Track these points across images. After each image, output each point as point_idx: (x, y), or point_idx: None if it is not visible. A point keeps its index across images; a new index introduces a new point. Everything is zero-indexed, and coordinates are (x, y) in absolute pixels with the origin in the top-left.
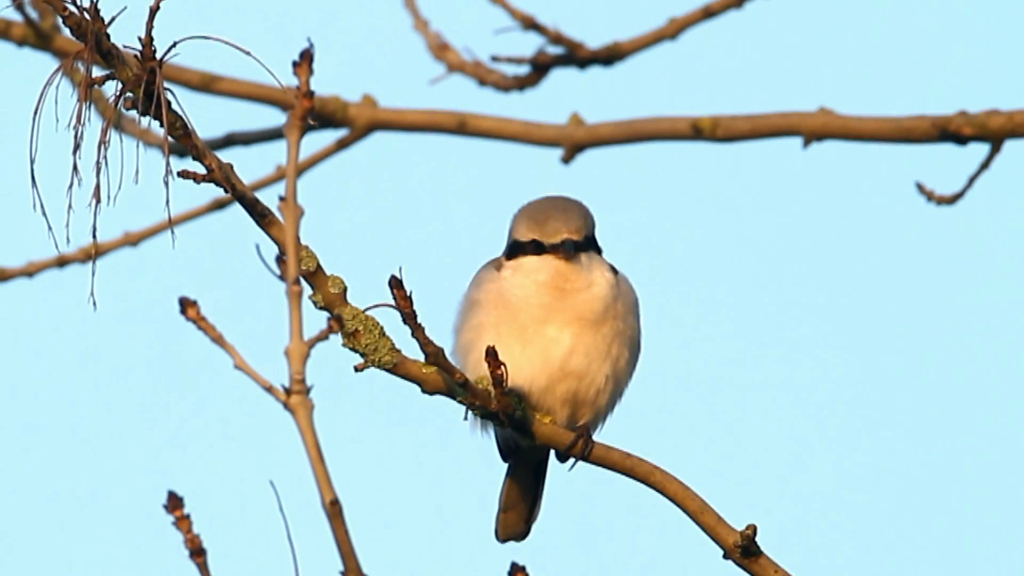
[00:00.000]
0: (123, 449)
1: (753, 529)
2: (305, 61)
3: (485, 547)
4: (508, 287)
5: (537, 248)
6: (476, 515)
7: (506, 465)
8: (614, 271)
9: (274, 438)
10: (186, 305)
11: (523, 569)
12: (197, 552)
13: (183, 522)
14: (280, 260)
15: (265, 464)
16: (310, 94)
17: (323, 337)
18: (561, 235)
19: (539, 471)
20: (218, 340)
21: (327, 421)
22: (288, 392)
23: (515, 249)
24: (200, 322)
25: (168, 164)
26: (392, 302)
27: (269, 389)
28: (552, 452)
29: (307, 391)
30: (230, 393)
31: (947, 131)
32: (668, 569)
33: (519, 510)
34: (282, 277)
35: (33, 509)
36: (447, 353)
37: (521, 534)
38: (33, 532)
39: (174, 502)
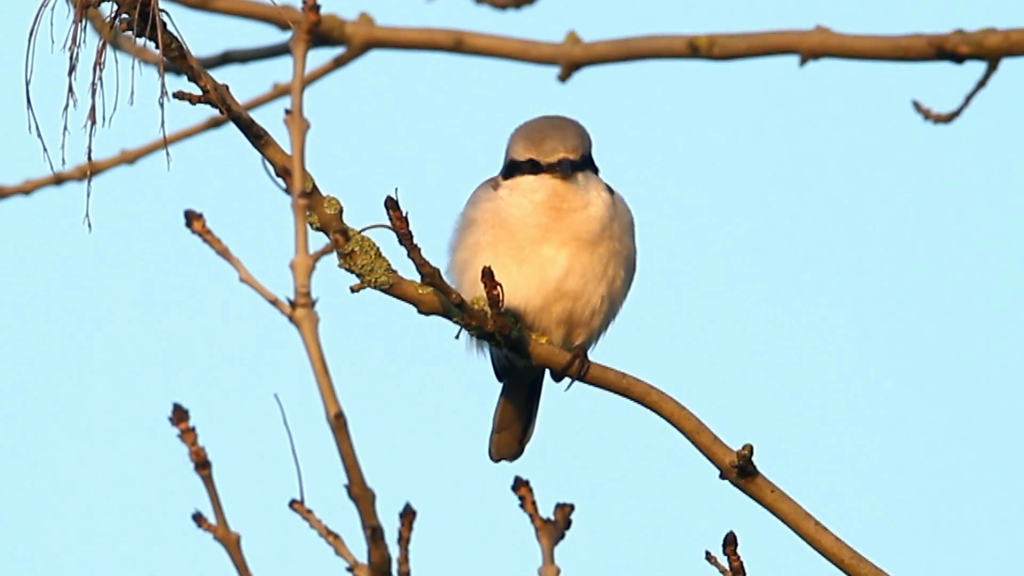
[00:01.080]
0: (126, 365)
1: (749, 449)
2: None
3: (483, 463)
4: (505, 206)
5: (534, 167)
6: (474, 431)
7: (500, 385)
8: (610, 191)
9: (279, 352)
10: (192, 218)
11: (527, 484)
12: (202, 464)
13: (188, 435)
14: (279, 176)
15: (270, 378)
16: (316, 7)
17: (328, 251)
18: (558, 154)
19: (533, 391)
20: (224, 253)
21: (327, 339)
22: (293, 305)
23: (512, 168)
24: (206, 235)
25: (163, 85)
26: (388, 223)
27: (274, 302)
28: (547, 372)
29: (312, 304)
30: (233, 308)
31: (944, 49)
32: (664, 489)
33: (513, 430)
34: (288, 191)
35: (35, 429)
36: (443, 272)
37: (515, 454)
38: (37, 451)
39: (179, 415)
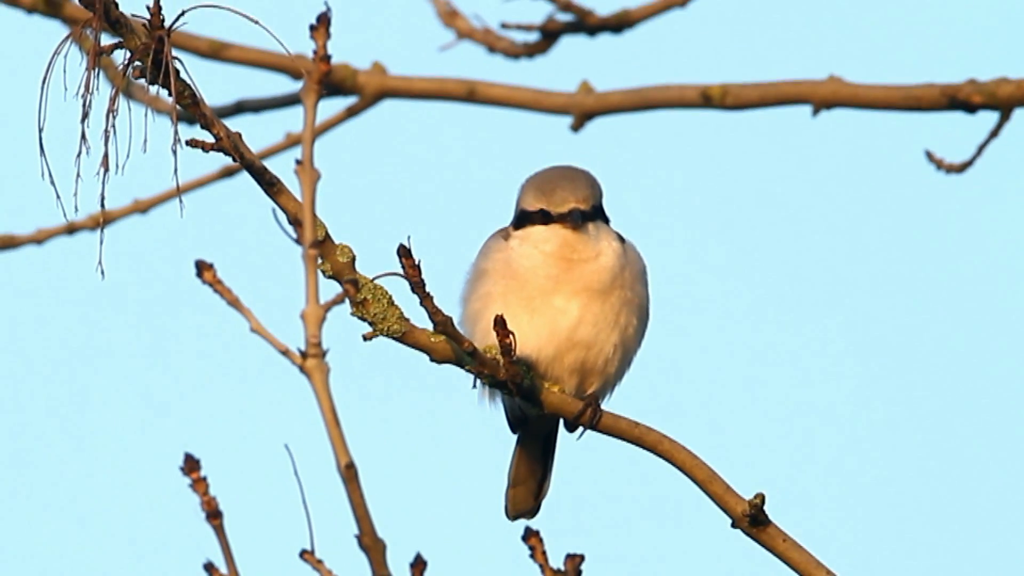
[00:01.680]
0: (138, 414)
1: (761, 498)
2: (322, 25)
3: (492, 513)
4: (516, 257)
5: (545, 218)
6: (486, 482)
7: (515, 437)
8: (621, 239)
9: (290, 402)
10: (203, 268)
11: (537, 534)
12: (214, 514)
13: (200, 484)
14: (292, 225)
15: (280, 428)
16: (327, 58)
17: (339, 301)
18: (568, 204)
19: (548, 443)
20: (235, 303)
21: (338, 388)
22: (304, 355)
23: (523, 219)
24: (217, 285)
25: (176, 133)
26: (401, 271)
27: (285, 352)
28: (561, 424)
29: (323, 354)
30: (244, 358)
31: (956, 99)
32: (676, 538)
33: (528, 485)
34: (298, 241)
35: (48, 479)
36: (455, 323)
37: (531, 510)
38: (49, 501)
39: (191, 464)
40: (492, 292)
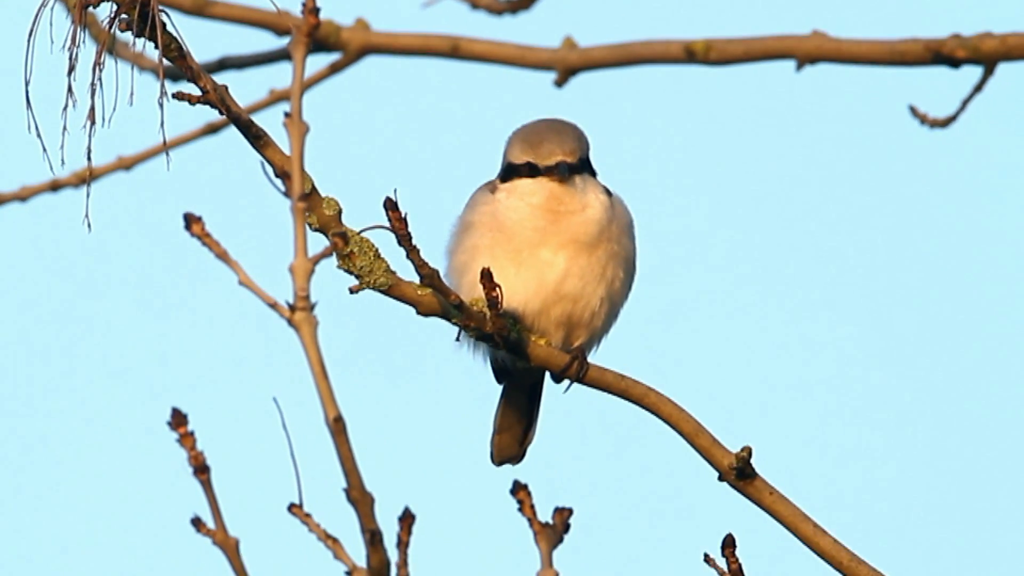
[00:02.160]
0: (125, 369)
1: (748, 451)
2: None
3: (482, 466)
4: (502, 209)
5: (531, 170)
6: (474, 435)
7: (500, 387)
8: (608, 193)
9: (278, 355)
10: (191, 221)
11: (525, 487)
12: (201, 469)
13: (187, 439)
14: (279, 178)
15: (269, 381)
16: (316, 10)
17: (327, 254)
18: (555, 157)
19: (534, 393)
20: (223, 256)
21: (327, 342)
22: (292, 308)
23: (509, 172)
24: (205, 238)
25: (163, 86)
26: (387, 224)
27: (274, 305)
28: (547, 374)
29: (311, 308)
30: (232, 311)
31: (940, 54)
32: (663, 491)
33: (514, 432)
34: (287, 194)
35: (34, 433)
36: (441, 275)
37: (516, 456)
38: (35, 455)
39: (178, 419)
40: (479, 244)
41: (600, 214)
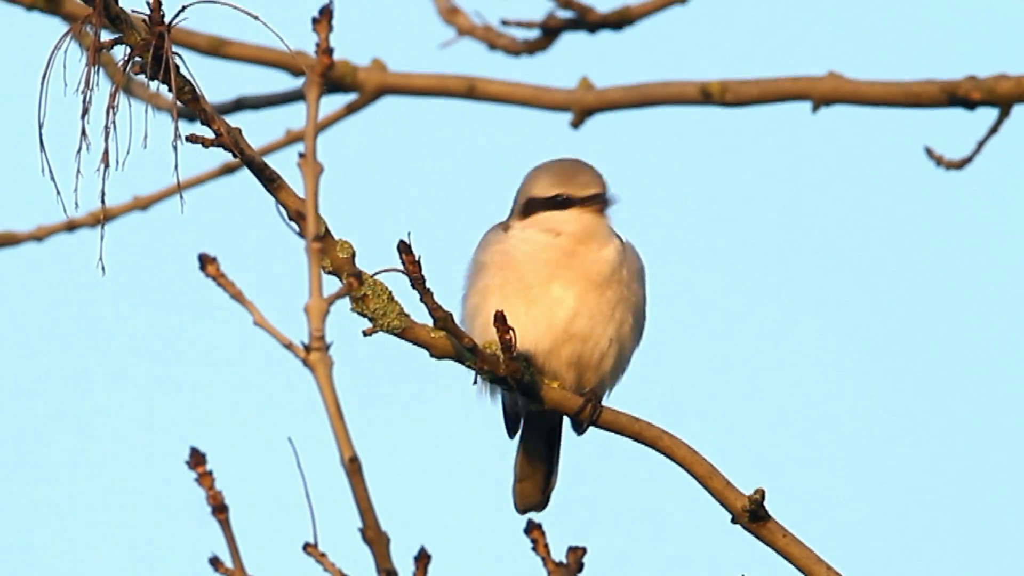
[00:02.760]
0: (141, 410)
1: (761, 493)
2: (324, 18)
3: (498, 507)
4: (515, 244)
5: (563, 203)
6: (489, 475)
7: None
8: (619, 239)
9: (293, 396)
10: (206, 262)
11: (539, 527)
12: (219, 508)
13: (205, 478)
14: (295, 219)
15: (284, 422)
16: (330, 51)
17: (342, 294)
18: (592, 189)
19: (552, 439)
20: (238, 297)
21: (342, 382)
22: (308, 349)
23: (531, 207)
24: (219, 279)
25: (177, 128)
26: (401, 267)
27: (289, 346)
28: (568, 422)
29: (326, 348)
30: (247, 352)
31: (956, 96)
32: (676, 533)
33: (535, 480)
34: (301, 235)
35: (52, 475)
36: (455, 319)
37: (539, 504)
38: (54, 497)
39: (196, 458)
40: (489, 285)
41: (613, 255)
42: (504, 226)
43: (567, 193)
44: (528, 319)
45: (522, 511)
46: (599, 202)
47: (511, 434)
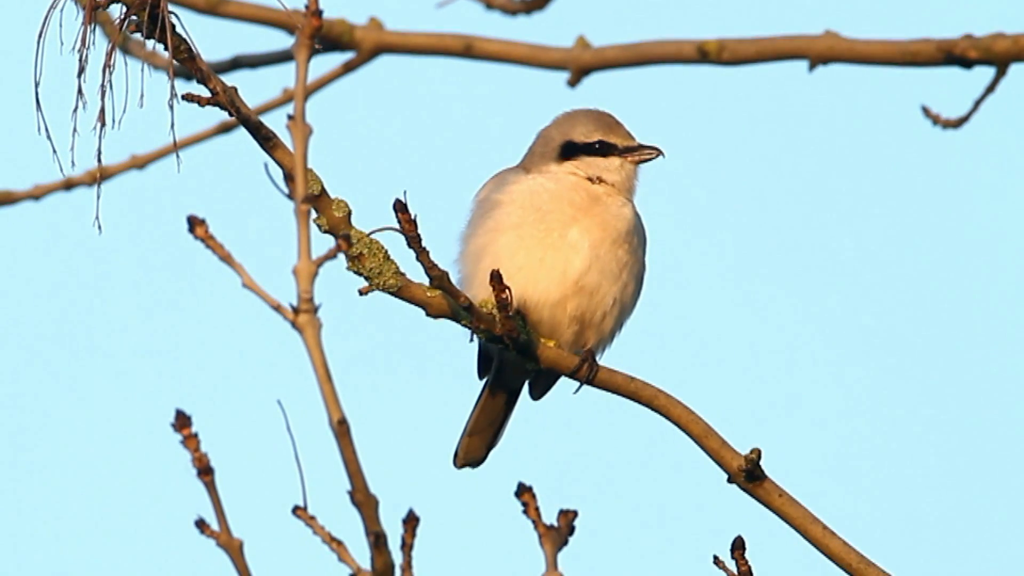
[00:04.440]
0: (129, 370)
1: (757, 453)
2: None
3: (489, 469)
4: (542, 183)
5: (603, 150)
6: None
7: (479, 388)
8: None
9: (282, 358)
10: (194, 224)
11: (530, 490)
12: (205, 471)
13: (191, 441)
14: (287, 180)
15: (273, 384)
16: (319, 12)
17: (331, 256)
18: (632, 140)
19: (512, 399)
20: (227, 259)
21: (331, 344)
22: (296, 311)
23: (572, 150)
24: (209, 241)
25: (173, 88)
26: (397, 225)
27: (277, 308)
28: (527, 387)
29: (315, 310)
30: (237, 313)
31: (952, 54)
32: (672, 493)
33: (484, 436)
34: (291, 196)
35: (39, 432)
36: (452, 262)
37: (479, 460)
38: (40, 454)
39: (182, 420)
40: (503, 224)
41: (631, 215)
42: (523, 169)
43: (610, 140)
44: (542, 267)
45: (461, 465)
46: (642, 152)
47: (481, 374)
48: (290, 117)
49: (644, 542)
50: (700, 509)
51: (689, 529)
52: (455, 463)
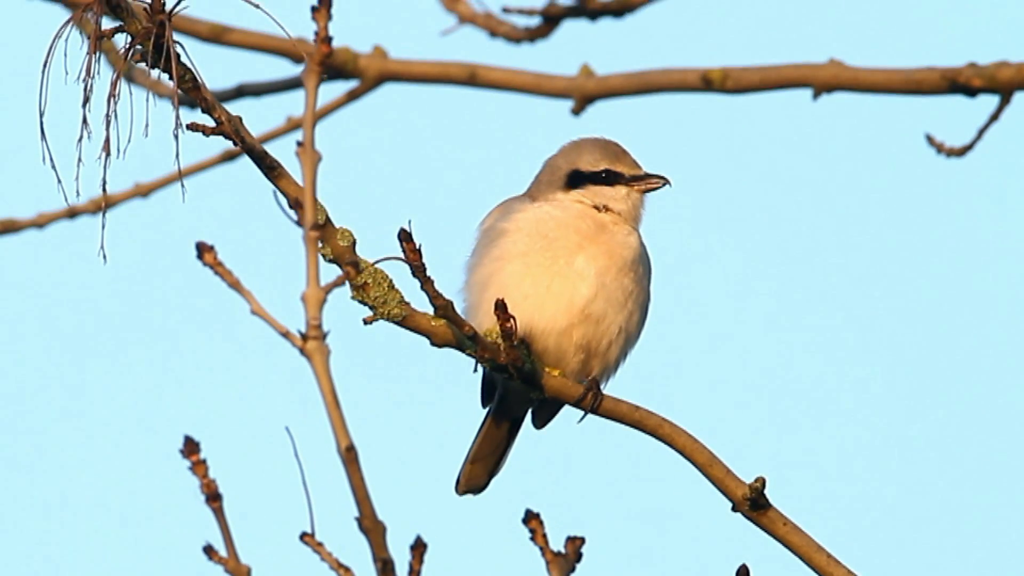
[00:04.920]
0: (137, 397)
1: (762, 482)
2: (324, 6)
3: (495, 496)
4: (548, 211)
5: (610, 179)
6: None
7: (483, 417)
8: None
9: (290, 385)
10: (203, 250)
11: (537, 516)
12: (213, 497)
13: (199, 467)
14: (291, 208)
15: (281, 411)
16: (329, 39)
17: (339, 283)
18: (639, 170)
19: (514, 427)
20: (235, 285)
21: (339, 371)
22: (305, 337)
23: (578, 179)
24: (217, 267)
25: (178, 117)
26: (401, 255)
27: (286, 334)
28: (530, 416)
29: (323, 337)
30: (243, 341)
31: (957, 83)
32: (676, 521)
33: (486, 463)
34: (299, 223)
35: (48, 460)
36: (457, 290)
37: (481, 487)
38: (49, 483)
39: (190, 447)
40: (509, 252)
41: (637, 244)
42: (529, 197)
43: (616, 169)
44: (549, 295)
45: (463, 492)
46: (648, 182)
47: (485, 403)
48: (299, 144)
49: (648, 572)
50: (704, 538)
51: (693, 558)
52: (457, 490)
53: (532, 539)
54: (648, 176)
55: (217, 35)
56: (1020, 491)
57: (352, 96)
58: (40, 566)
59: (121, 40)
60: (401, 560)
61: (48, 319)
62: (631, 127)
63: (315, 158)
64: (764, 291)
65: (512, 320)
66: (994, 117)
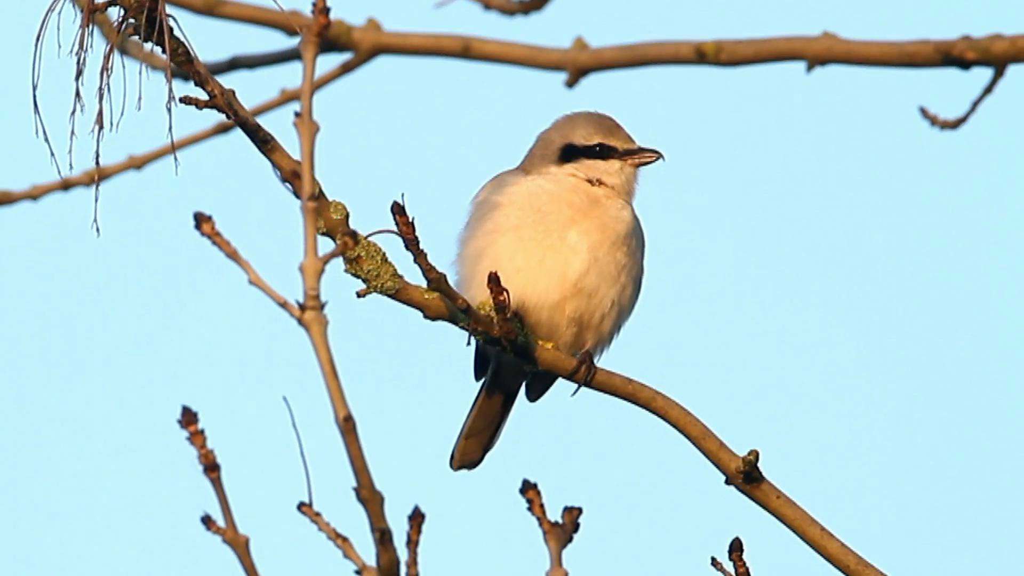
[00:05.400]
0: (135, 368)
1: (755, 455)
2: None
3: (493, 466)
4: (541, 184)
5: (604, 152)
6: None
7: (476, 390)
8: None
9: (288, 355)
10: (201, 220)
11: (535, 487)
12: (211, 467)
13: (197, 437)
14: (289, 180)
15: (279, 381)
16: (326, 10)
17: (338, 253)
18: (633, 144)
19: (508, 401)
20: (233, 255)
21: (337, 341)
22: (303, 308)
23: (572, 153)
24: (215, 237)
25: (171, 90)
26: (394, 228)
27: (284, 304)
28: (524, 390)
29: (321, 307)
30: (240, 311)
31: (950, 56)
32: (670, 494)
33: (481, 437)
34: (296, 194)
35: (44, 433)
36: (450, 263)
37: (475, 462)
38: (45, 455)
39: (188, 417)
40: (502, 226)
41: (630, 218)
42: (523, 171)
43: (610, 143)
44: (542, 268)
45: (457, 467)
46: (642, 155)
47: (478, 376)
48: (297, 115)
49: (642, 544)
50: (697, 511)
51: (686, 531)
52: (451, 465)
53: (529, 509)
54: (642, 150)
55: (210, 7)
56: (1011, 466)
57: (346, 69)
58: (37, 535)
59: (114, 13)
60: (399, 530)
61: (43, 290)
62: (625, 100)
63: (313, 129)
64: (758, 264)
65: (505, 293)
66: (988, 90)
